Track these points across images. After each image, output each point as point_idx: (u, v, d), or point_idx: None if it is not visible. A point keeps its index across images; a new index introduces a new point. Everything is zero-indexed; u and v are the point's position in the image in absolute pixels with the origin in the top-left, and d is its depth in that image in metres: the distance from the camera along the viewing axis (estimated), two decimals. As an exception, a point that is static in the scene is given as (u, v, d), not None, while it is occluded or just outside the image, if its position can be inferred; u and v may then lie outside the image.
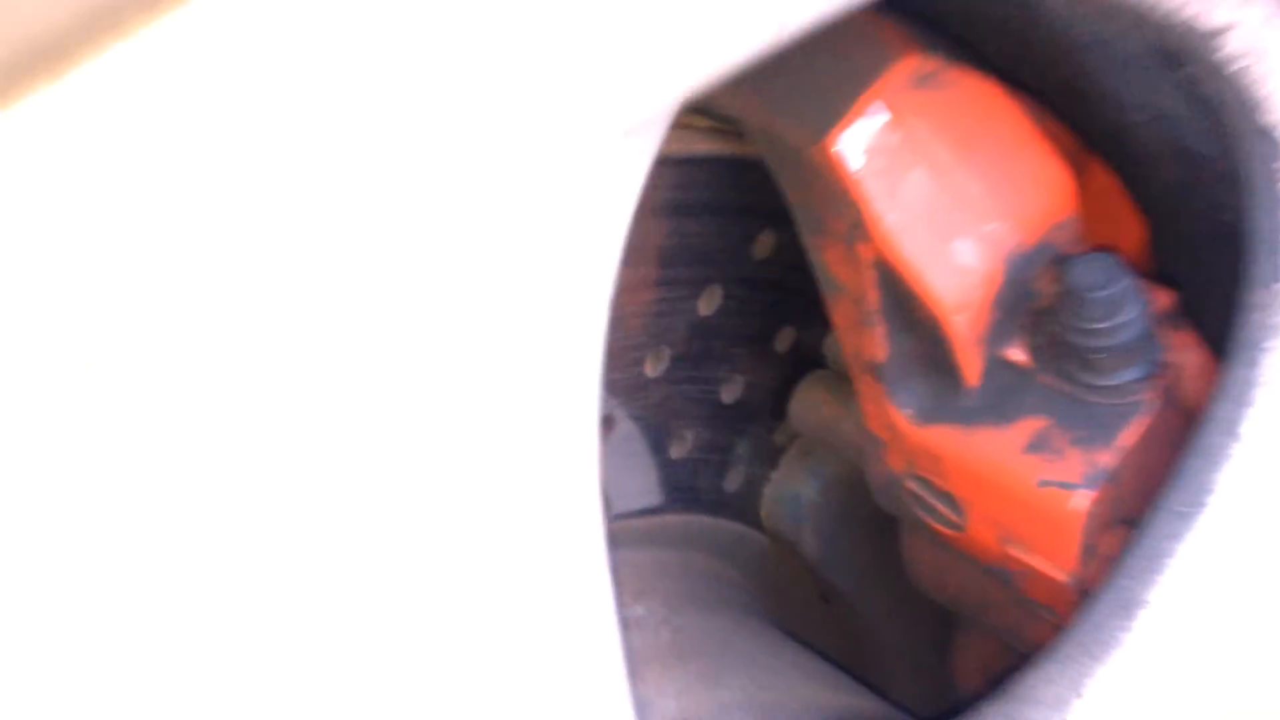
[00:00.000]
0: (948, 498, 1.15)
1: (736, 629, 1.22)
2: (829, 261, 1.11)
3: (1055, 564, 1.11)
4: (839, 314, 1.15)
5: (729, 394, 1.27)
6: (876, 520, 1.36)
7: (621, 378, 1.18)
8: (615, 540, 1.23)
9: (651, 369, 1.20)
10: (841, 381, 1.32)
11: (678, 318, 1.20)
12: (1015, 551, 1.12)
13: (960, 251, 1.08)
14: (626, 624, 1.17)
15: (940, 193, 1.07)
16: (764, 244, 1.23)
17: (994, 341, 1.12)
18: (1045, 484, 1.07)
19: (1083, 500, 1.03)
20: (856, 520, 1.37)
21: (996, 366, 1.13)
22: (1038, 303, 1.13)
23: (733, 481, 1.33)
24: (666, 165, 1.09)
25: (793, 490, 1.36)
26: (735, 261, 1.21)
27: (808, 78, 0.97)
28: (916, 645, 1.50)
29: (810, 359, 1.32)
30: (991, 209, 1.09)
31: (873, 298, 1.10)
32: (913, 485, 1.18)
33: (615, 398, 1.18)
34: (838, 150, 1.00)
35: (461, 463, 0.54)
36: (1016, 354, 1.13)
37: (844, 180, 1.04)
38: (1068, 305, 1.08)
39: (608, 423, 1.20)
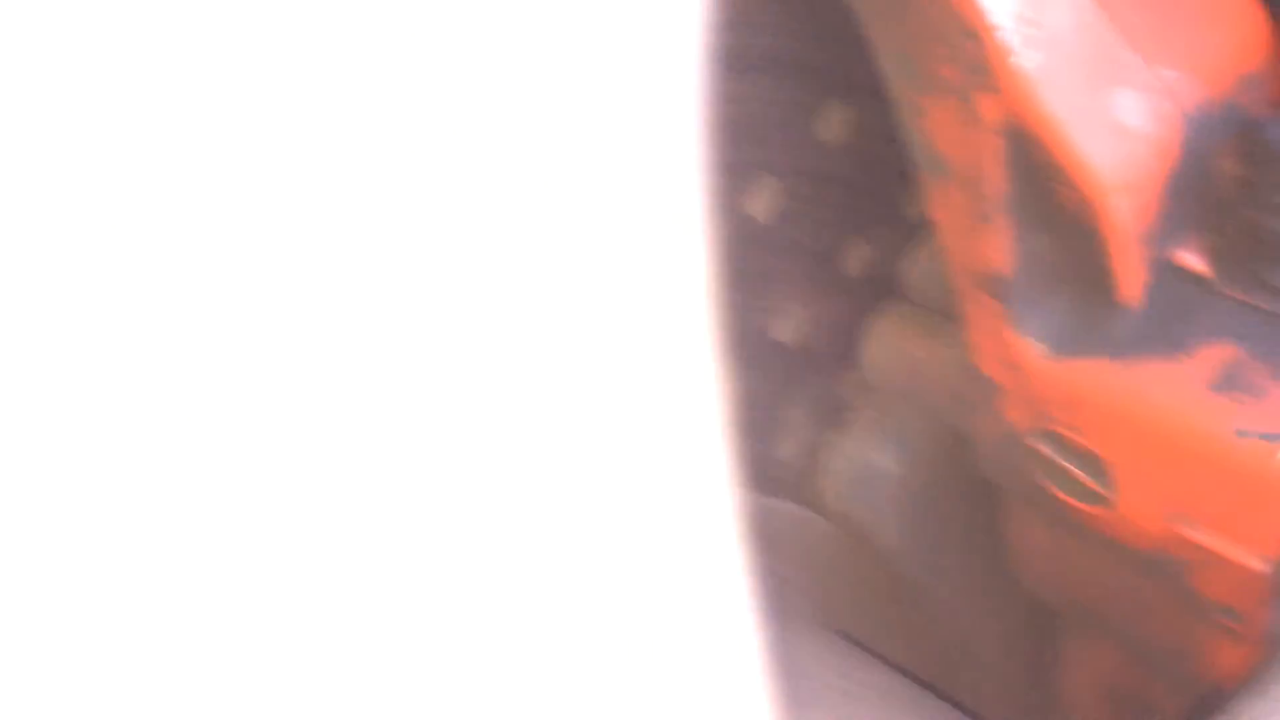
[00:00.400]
0: (1091, 460, 0.93)
1: (791, 642, 1.05)
2: (934, 129, 0.82)
3: (1250, 548, 0.90)
4: (944, 207, 0.86)
5: (782, 329, 0.98)
6: (976, 500, 1.16)
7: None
8: None
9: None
10: (929, 316, 1.03)
11: (716, 219, 0.89)
12: (1189, 532, 0.92)
13: (1124, 107, 0.79)
14: None
15: (1097, 25, 0.79)
16: (833, 121, 0.93)
17: (1163, 241, 0.83)
18: (1242, 434, 0.82)
19: (1297, 457, 0.83)
20: (950, 500, 1.17)
21: (1165, 276, 0.87)
22: (1221, 188, 0.83)
23: (786, 447, 1.11)
24: None
25: (865, 460, 1.13)
26: (793, 144, 0.93)
27: None
28: (1012, 656, 1.23)
29: (890, 286, 1.05)
30: (1165, 50, 0.81)
31: (996, 179, 0.81)
32: (1040, 445, 0.91)
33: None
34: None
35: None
36: (1192, 259, 0.85)
37: (964, 3, 0.74)
38: (1268, 186, 0.79)
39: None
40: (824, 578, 1.15)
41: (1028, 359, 0.90)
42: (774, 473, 1.09)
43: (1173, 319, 0.87)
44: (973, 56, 0.78)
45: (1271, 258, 0.83)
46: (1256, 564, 0.87)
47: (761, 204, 0.92)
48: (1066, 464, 0.93)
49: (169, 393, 0.40)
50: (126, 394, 0.40)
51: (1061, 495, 0.95)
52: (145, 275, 0.39)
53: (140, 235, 0.39)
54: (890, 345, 1.08)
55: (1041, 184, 0.82)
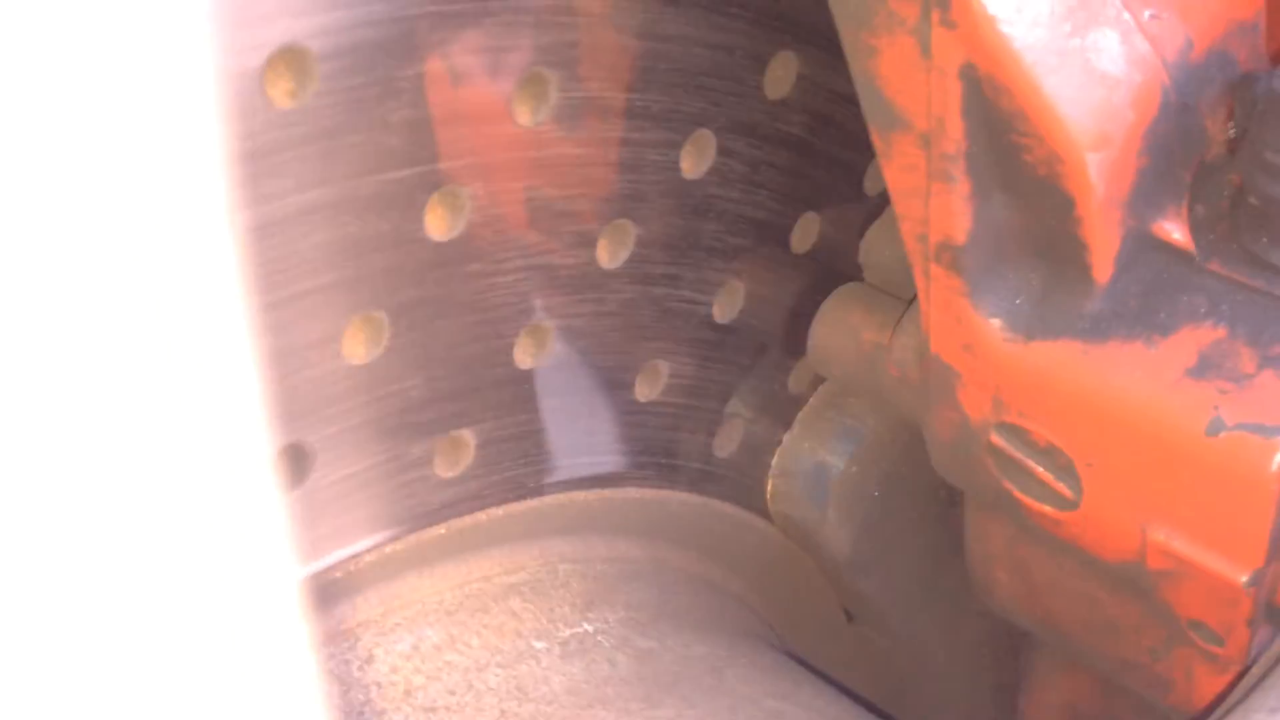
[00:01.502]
0: (1056, 457, 0.84)
1: (728, 656, 0.94)
2: (885, 74, 0.73)
3: (1231, 558, 0.82)
4: (896, 165, 0.77)
5: (723, 310, 0.89)
6: (931, 504, 1.10)
7: (561, 268, 0.78)
8: (546, 522, 0.85)
9: (607, 257, 0.80)
10: (885, 301, 0.94)
11: (648, 178, 0.81)
12: (1163, 539, 0.82)
13: (1101, 50, 0.70)
14: (567, 646, 0.80)
15: (1069, -45, 0.69)
16: (781, 73, 0.84)
17: (1139, 208, 0.74)
18: (1221, 427, 0.71)
19: (1285, 453, 0.73)
20: (903, 503, 1.07)
21: (1141, 248, 0.78)
22: (1205, 148, 0.74)
23: (726, 443, 1.00)
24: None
25: (813, 459, 1.04)
26: (737, 97, 0.82)
27: None
28: (974, 678, 1.20)
29: (841, 266, 0.99)
30: None
31: (954, 132, 0.73)
32: (999, 440, 0.83)
33: (550, 297, 0.78)
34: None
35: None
36: (1171, 229, 0.76)
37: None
38: (1261, 143, 0.70)
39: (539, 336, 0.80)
40: (764, 588, 1.05)
41: (987, 341, 0.81)
42: (713, 470, 0.99)
43: (1148, 297, 0.77)
44: (930, -13, 0.69)
45: (1260, 228, 0.74)
46: (1235, 576, 0.77)
47: (698, 162, 0.83)
48: (1029, 462, 0.84)
49: None
50: None
51: (1023, 498, 0.86)
52: None
53: None
54: (841, 331, 0.98)
55: (1005, 137, 0.73)
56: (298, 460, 0.72)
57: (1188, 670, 0.90)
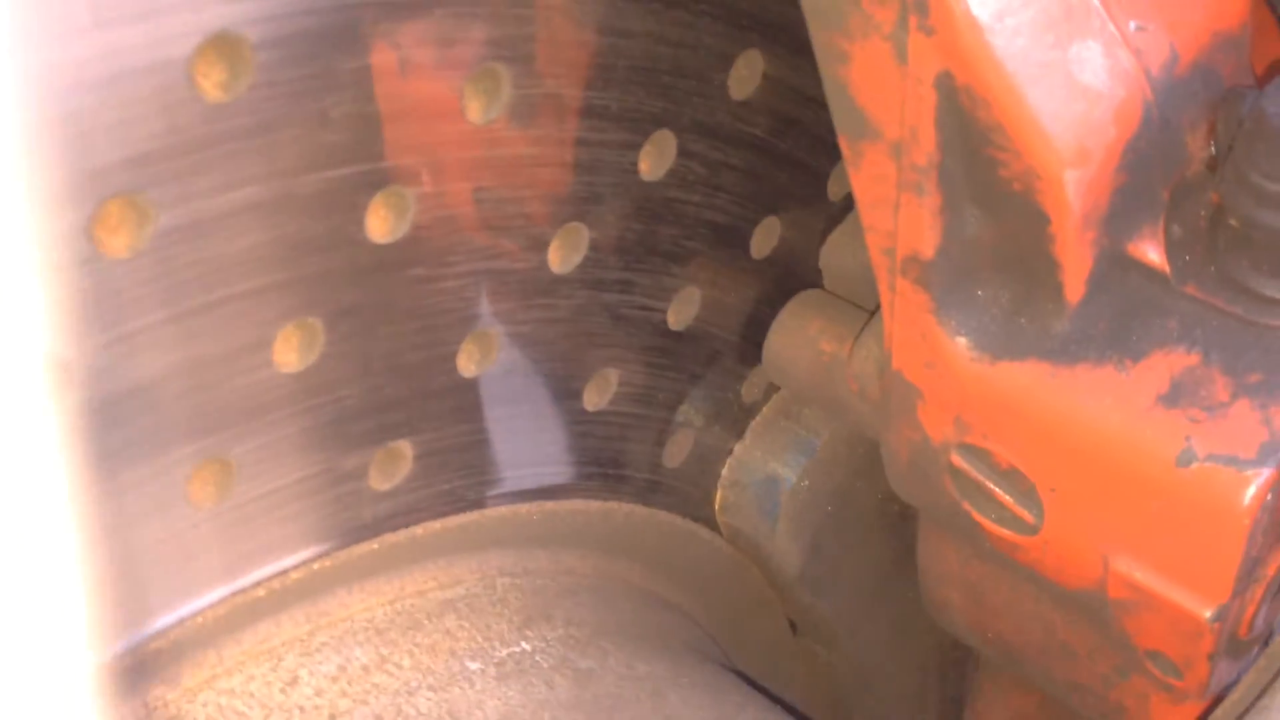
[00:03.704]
0: (1018, 481, 0.81)
1: (670, 677, 0.90)
2: (857, 80, 0.70)
3: (1195, 590, 0.78)
4: (865, 175, 0.73)
5: (678, 316, 0.85)
6: (883, 518, 1.07)
7: (510, 272, 0.74)
8: (486, 535, 0.81)
9: (559, 261, 0.76)
10: (845, 309, 0.91)
11: (605, 179, 0.77)
12: (1126, 569, 0.80)
13: (1084, 63, 0.67)
14: (503, 667, 0.76)
15: (1054, -38, 0.65)
16: (746, 72, 0.80)
17: (1115, 227, 0.72)
18: (1193, 458, 0.70)
19: (1257, 486, 0.71)
20: (855, 518, 1.05)
21: (1115, 268, 0.75)
22: (1185, 166, 0.71)
23: (676, 453, 0.97)
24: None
25: (764, 471, 1.01)
26: (700, 97, 0.79)
27: None
28: (920, 692, 1.20)
29: (801, 272, 0.95)
30: None
31: (927, 143, 0.70)
32: (961, 461, 0.80)
33: (497, 303, 0.74)
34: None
35: None
36: (1147, 250, 0.73)
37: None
38: (1246, 164, 0.67)
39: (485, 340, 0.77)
40: (709, 600, 1.02)
41: (952, 359, 0.77)
42: (662, 481, 0.96)
43: (1121, 319, 0.75)
44: (908, -10, 0.66)
45: (1240, 251, 0.71)
46: (1199, 609, 0.75)
47: (657, 164, 0.79)
48: (990, 484, 0.81)
49: None
50: None
51: (982, 520, 0.83)
52: None
53: None
54: (798, 340, 0.95)
55: (981, 150, 0.70)
56: (221, 474, 0.68)
57: (1142, 699, 0.88)
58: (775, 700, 0.98)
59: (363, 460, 0.74)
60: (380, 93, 0.64)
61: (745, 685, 0.97)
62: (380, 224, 0.68)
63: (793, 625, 1.12)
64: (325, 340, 0.68)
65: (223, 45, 0.58)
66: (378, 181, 0.67)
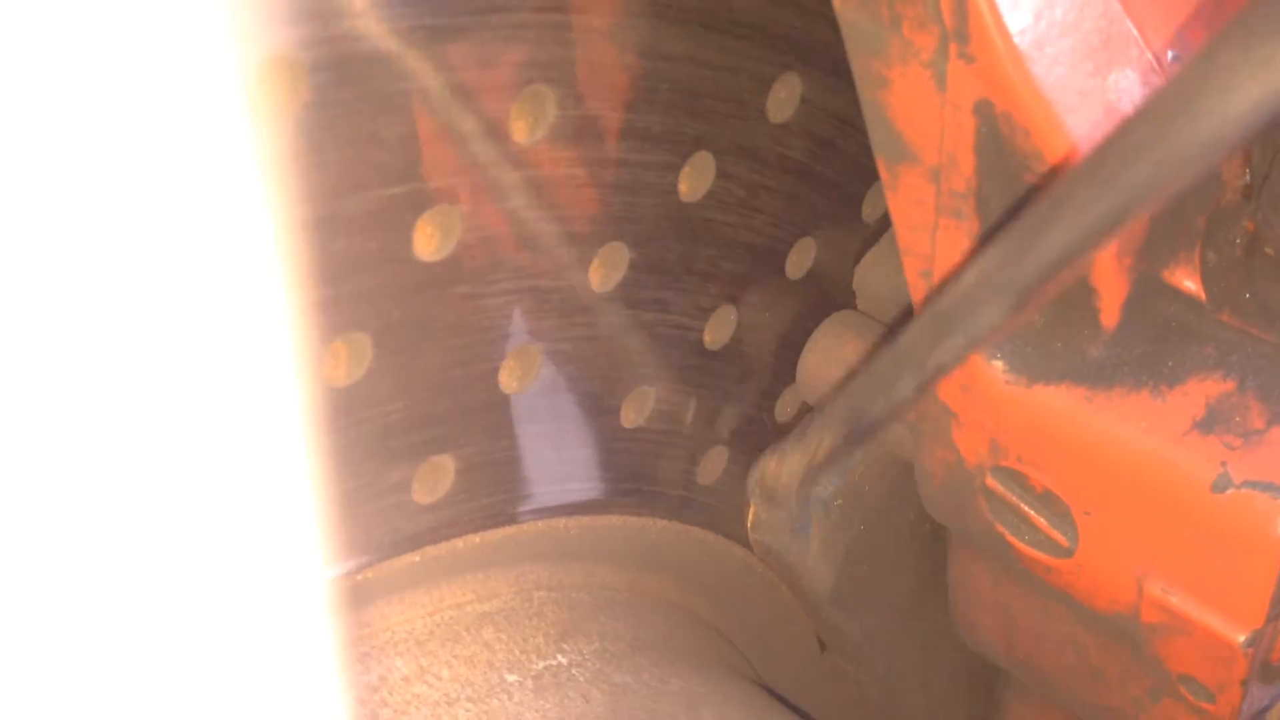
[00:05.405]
0: (1054, 504, 0.82)
1: (704, 693, 0.90)
2: (896, 106, 0.71)
3: (1229, 616, 0.79)
4: (903, 198, 0.74)
5: (714, 334, 0.85)
6: (915, 539, 1.06)
7: (552, 290, 0.75)
8: (523, 549, 0.82)
9: (599, 279, 0.77)
10: (879, 330, 0.92)
11: (645, 200, 0.78)
12: (1160, 593, 0.81)
13: (1122, 92, 0.68)
14: (540, 680, 0.77)
15: (1094, -8, 0.66)
16: (784, 95, 0.81)
17: (1150, 254, 0.72)
18: (1228, 484, 0.69)
19: (1293, 514, 0.69)
20: (887, 537, 1.05)
21: (1151, 295, 0.75)
22: (1220, 194, 0.72)
23: (710, 470, 0.97)
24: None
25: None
26: (738, 120, 0.79)
27: None
28: (947, 711, 1.20)
29: (836, 293, 0.96)
30: (1167, 26, 0.68)
31: (966, 169, 0.70)
32: (995, 483, 0.80)
33: (539, 321, 0.75)
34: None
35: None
36: (1182, 277, 0.73)
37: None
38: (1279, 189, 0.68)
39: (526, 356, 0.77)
40: (739, 616, 1.02)
41: (987, 382, 0.78)
42: (695, 497, 0.96)
43: (1156, 345, 0.75)
44: (951, 21, 0.66)
45: (1275, 278, 0.72)
46: (1235, 635, 0.75)
47: (696, 186, 0.80)
48: (1024, 506, 0.81)
49: None
50: None
51: (1016, 542, 0.83)
52: None
53: None
54: (832, 359, 0.95)
55: (1018, 175, 0.70)
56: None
57: (1164, 717, 0.88)
58: (806, 718, 0.98)
59: (406, 474, 0.75)
60: (428, 114, 0.65)
61: (777, 702, 0.98)
62: (427, 242, 0.69)
63: (821, 643, 1.12)
64: (372, 356, 0.70)
65: (279, 66, 0.59)
66: (425, 201, 0.68)
